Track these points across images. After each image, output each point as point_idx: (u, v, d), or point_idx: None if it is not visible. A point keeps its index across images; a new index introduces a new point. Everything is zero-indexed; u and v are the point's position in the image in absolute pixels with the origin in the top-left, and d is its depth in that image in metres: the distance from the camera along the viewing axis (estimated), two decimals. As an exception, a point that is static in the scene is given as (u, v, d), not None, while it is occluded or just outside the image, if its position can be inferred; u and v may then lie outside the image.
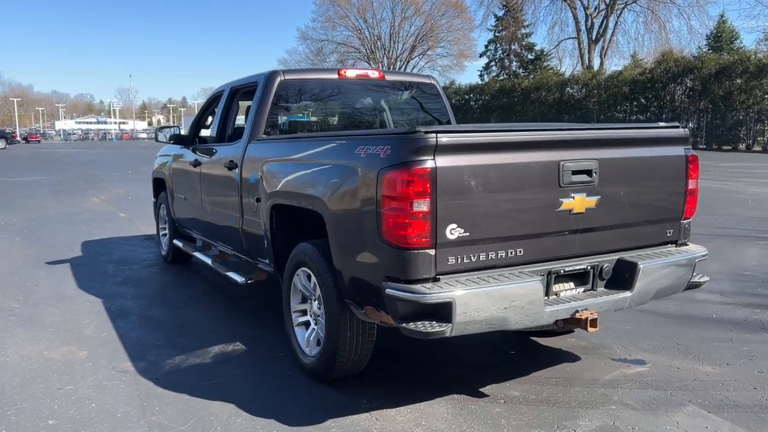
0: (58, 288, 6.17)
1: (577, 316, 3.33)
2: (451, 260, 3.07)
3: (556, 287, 3.45)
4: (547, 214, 3.29)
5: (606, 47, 50.35)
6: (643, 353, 4.32)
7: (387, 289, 3.03)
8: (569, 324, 3.41)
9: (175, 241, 6.81)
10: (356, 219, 3.27)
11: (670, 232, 3.85)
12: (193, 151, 5.94)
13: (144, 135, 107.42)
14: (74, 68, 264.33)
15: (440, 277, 3.06)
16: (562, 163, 3.28)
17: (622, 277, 3.56)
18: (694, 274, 3.86)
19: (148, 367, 4.12)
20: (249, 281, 4.84)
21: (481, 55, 64.23)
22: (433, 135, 2.97)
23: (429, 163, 2.96)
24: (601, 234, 3.54)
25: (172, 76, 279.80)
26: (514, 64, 62.80)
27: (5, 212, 11.64)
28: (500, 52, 63.08)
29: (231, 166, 4.88)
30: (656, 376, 3.93)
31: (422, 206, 2.96)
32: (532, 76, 54.01)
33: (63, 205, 12.78)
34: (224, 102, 5.61)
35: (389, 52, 64.24)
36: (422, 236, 2.98)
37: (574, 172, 3.34)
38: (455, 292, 2.97)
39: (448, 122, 5.65)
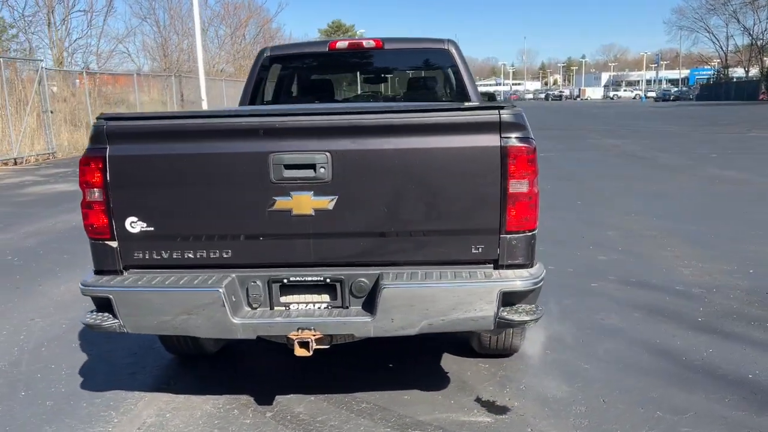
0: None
1: (293, 335, 2.83)
2: (138, 254, 2.95)
3: (286, 298, 2.97)
4: (258, 213, 2.84)
5: None
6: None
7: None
8: (302, 342, 2.91)
9: None
10: None
11: (478, 249, 2.88)
12: None
13: (530, 96, 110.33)
14: (480, 33, 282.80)
15: (127, 270, 2.98)
16: (271, 155, 2.79)
17: (370, 297, 2.87)
18: (511, 308, 2.85)
19: None
20: None
21: None
22: (104, 122, 2.87)
23: (101, 151, 2.88)
24: (350, 242, 2.89)
25: (571, 35, 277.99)
26: None
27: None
28: None
29: None
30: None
31: (96, 196, 2.91)
32: None
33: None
34: None
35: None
36: (101, 227, 2.93)
37: (289, 167, 2.80)
38: (113, 288, 2.87)
39: (460, 96, 4.92)
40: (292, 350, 2.82)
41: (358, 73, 5.33)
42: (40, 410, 3.37)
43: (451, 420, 3.16)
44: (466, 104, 2.85)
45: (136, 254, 2.95)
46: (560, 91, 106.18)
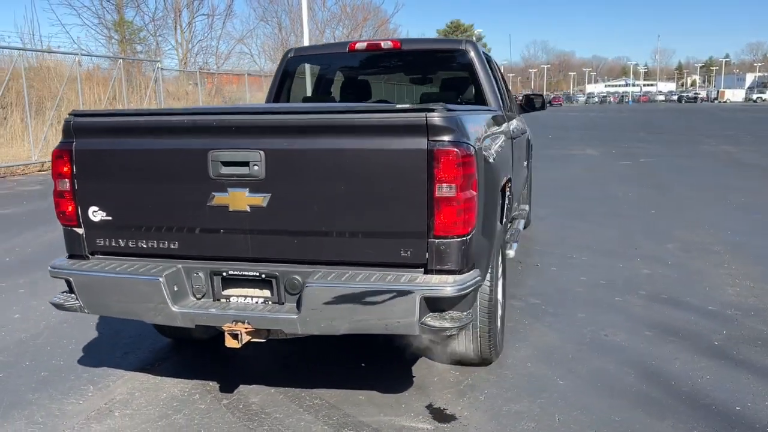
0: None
1: (227, 326, 2.94)
2: (101, 241, 3.17)
3: (228, 291, 3.08)
4: (199, 208, 2.97)
5: None
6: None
7: None
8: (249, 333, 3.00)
9: None
10: None
11: (407, 253, 2.83)
12: None
13: (661, 97, 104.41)
14: (611, 32, 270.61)
15: (93, 256, 3.20)
16: (211, 152, 2.90)
17: (298, 294, 2.90)
18: (438, 314, 2.78)
19: None
20: None
21: None
22: (72, 118, 3.11)
23: (68, 145, 3.12)
24: (284, 239, 2.94)
25: (713, 33, 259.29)
26: None
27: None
28: None
29: None
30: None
31: (65, 186, 3.16)
32: None
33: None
34: None
35: None
36: (69, 215, 3.18)
37: (226, 164, 2.89)
38: (72, 271, 3.10)
39: (476, 96, 4.81)
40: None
41: (377, 73, 5.35)
42: (32, 380, 3.69)
43: (391, 423, 3.13)
44: (398, 106, 2.81)
45: (98, 241, 3.17)
46: (695, 93, 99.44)
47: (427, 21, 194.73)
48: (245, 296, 3.06)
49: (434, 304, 2.79)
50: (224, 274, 3.03)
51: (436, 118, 2.70)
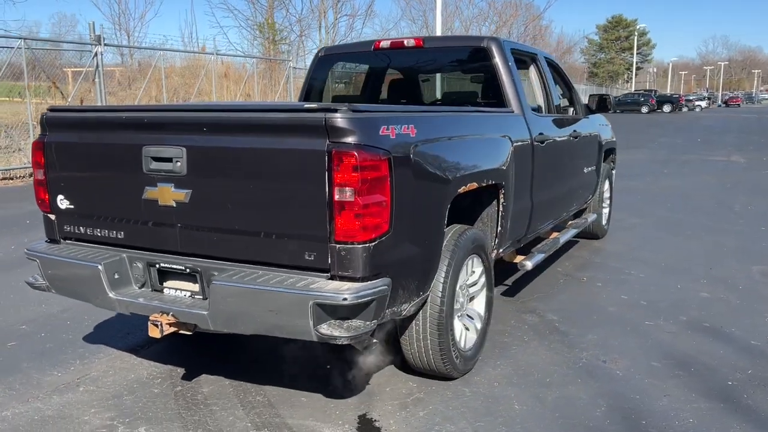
0: None
1: (153, 317, 3.05)
2: (68, 228, 3.41)
3: (166, 282, 3.18)
4: (136, 201, 3.09)
5: None
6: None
7: None
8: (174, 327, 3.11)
9: None
10: None
11: (311, 256, 2.74)
12: None
13: None
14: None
15: (64, 240, 3.46)
16: (144, 147, 3.02)
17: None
18: (337, 322, 2.69)
19: None
20: None
21: None
22: (46, 112, 3.38)
23: (42, 137, 3.39)
24: (205, 235, 2.98)
25: None
26: None
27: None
28: None
29: None
30: None
31: (40, 175, 3.43)
32: None
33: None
34: None
35: None
36: (44, 202, 3.46)
37: (156, 159, 2.99)
38: (38, 254, 3.37)
39: (495, 95, 4.54)
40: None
41: (402, 71, 5.23)
42: (37, 350, 4.06)
43: (312, 429, 3.08)
44: (306, 105, 2.73)
45: (65, 227, 3.41)
46: None
47: (586, 16, 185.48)
48: (177, 289, 3.15)
49: (333, 311, 2.70)
50: (158, 266, 3.14)
51: (337, 119, 2.60)
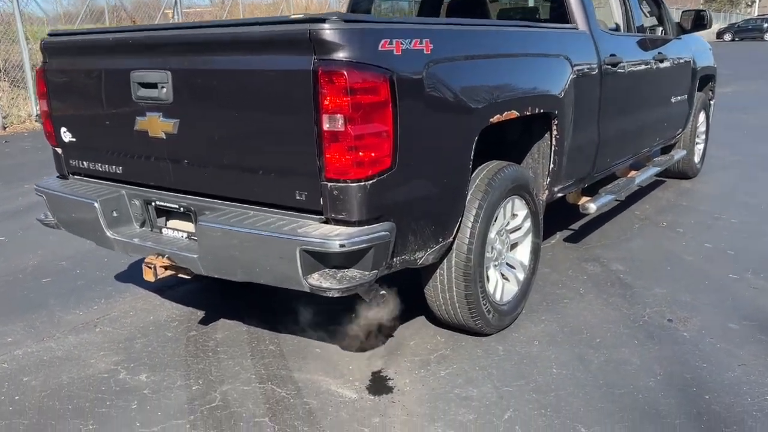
0: None
1: (149, 258, 2.82)
2: (73, 162, 3.21)
3: (169, 223, 2.93)
4: (129, 132, 2.82)
5: None
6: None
7: None
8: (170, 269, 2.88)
9: None
10: None
11: (302, 196, 2.37)
12: None
13: None
14: None
15: (72, 176, 3.27)
16: (132, 72, 2.72)
17: None
18: (331, 271, 2.34)
19: None
20: None
21: None
22: (46, 37, 3.14)
23: (44, 65, 3.17)
24: (196, 170, 2.68)
25: None
26: None
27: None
28: None
29: None
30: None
31: (44, 106, 3.23)
32: None
33: None
34: None
35: None
36: (51, 135, 3.27)
37: (143, 85, 2.69)
38: (44, 189, 3.20)
39: (559, 12, 3.92)
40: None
41: None
42: (68, 288, 3.98)
43: (318, 385, 2.79)
44: (292, 17, 2.30)
45: (71, 161, 3.22)
46: None
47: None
48: (176, 229, 2.89)
49: (324, 259, 2.34)
50: (154, 203, 2.88)
51: (325, 30, 2.18)
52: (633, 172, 5.02)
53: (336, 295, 2.31)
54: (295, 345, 3.15)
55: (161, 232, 2.93)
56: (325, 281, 2.31)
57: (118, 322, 3.49)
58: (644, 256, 4.23)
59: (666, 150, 5.81)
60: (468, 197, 2.84)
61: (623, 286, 3.76)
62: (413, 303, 3.29)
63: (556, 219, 4.62)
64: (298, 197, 2.40)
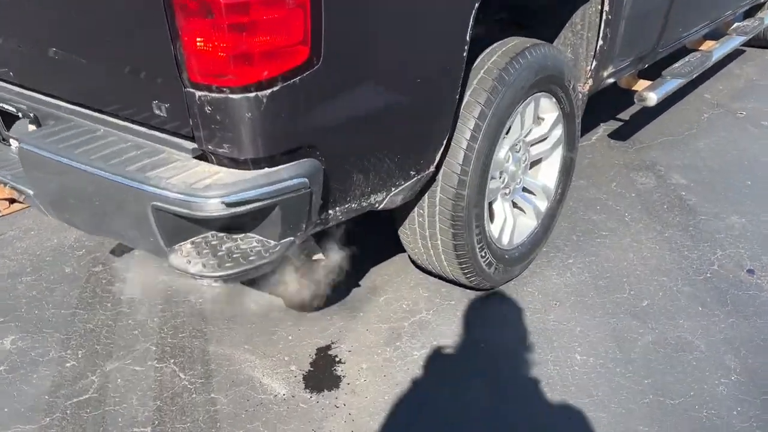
0: None
1: (-10, 183, 1.93)
2: None
3: (12, 131, 2.00)
4: None
5: None
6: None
7: None
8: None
9: None
10: None
11: (161, 110, 1.40)
12: None
13: None
14: None
15: None
16: None
17: None
18: (192, 242, 1.42)
19: None
20: None
21: None
22: None
23: None
24: (41, 60, 1.70)
25: None
26: None
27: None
28: None
29: None
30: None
31: None
32: None
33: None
34: None
35: None
36: None
37: None
38: None
39: None
40: None
41: None
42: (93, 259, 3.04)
43: (233, 361, 1.98)
44: None
45: None
46: None
47: None
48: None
49: (199, 223, 1.42)
50: None
51: None
52: (709, 43, 3.80)
53: (206, 283, 1.40)
54: (223, 300, 2.30)
55: (9, 144, 2.01)
56: (195, 260, 1.39)
57: (11, 246, 2.67)
58: (715, 163, 3.17)
59: (750, 12, 4.49)
60: (464, 101, 1.82)
61: (685, 210, 2.76)
62: (393, 233, 2.36)
63: (599, 103, 3.51)
64: (157, 111, 1.43)
